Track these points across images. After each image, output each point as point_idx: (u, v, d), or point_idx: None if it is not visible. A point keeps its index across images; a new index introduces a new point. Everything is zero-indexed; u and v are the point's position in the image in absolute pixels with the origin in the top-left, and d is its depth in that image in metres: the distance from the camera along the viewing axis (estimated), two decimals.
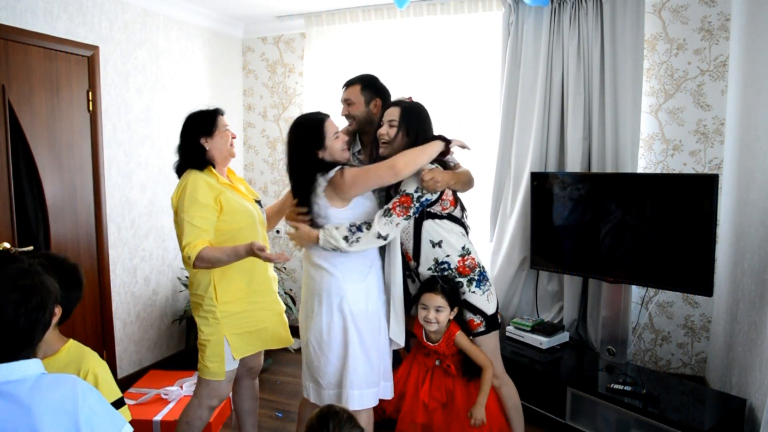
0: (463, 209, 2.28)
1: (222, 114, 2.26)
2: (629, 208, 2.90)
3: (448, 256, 2.18)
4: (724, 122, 3.24)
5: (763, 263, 2.33)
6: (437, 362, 2.30)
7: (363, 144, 2.57)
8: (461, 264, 2.19)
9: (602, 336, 3.09)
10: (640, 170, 3.35)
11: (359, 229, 2.05)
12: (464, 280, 2.20)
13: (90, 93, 3.16)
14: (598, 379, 2.84)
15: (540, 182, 3.27)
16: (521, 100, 3.48)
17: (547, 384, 2.88)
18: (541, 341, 3.12)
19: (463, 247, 2.20)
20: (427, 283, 2.20)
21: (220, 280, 2.16)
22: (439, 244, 2.17)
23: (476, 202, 3.77)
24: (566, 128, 3.39)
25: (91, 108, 3.17)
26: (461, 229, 2.23)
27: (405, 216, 2.07)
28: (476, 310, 2.22)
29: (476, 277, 2.21)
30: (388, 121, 2.18)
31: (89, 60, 3.15)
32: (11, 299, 1.03)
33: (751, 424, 2.39)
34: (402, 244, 2.23)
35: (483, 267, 2.25)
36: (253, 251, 2.00)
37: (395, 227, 2.06)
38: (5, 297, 1.02)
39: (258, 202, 2.37)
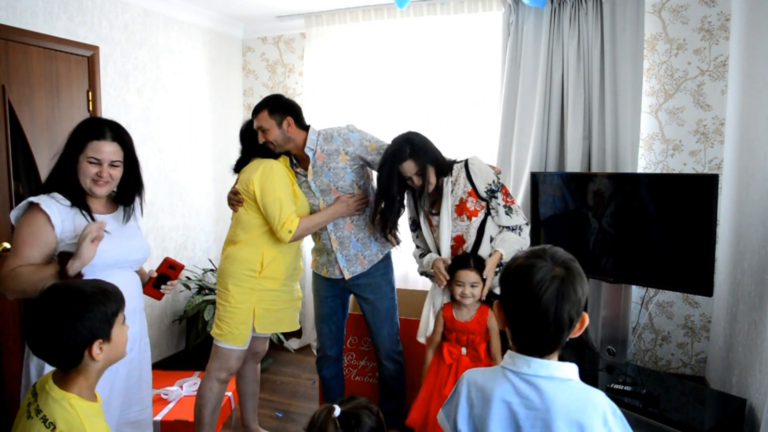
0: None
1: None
2: (629, 208, 2.90)
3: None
4: (724, 122, 3.24)
5: (763, 263, 2.33)
6: (464, 351, 2.28)
7: (298, 159, 2.56)
8: None
9: (602, 336, 3.09)
10: (640, 170, 3.35)
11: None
12: None
13: (90, 93, 3.16)
14: (598, 379, 2.84)
15: (540, 182, 3.27)
16: (521, 100, 3.48)
17: None
18: None
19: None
20: (458, 260, 2.27)
21: (267, 255, 2.40)
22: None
23: None
24: (566, 128, 3.39)
25: (91, 108, 3.16)
26: None
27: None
28: None
29: None
30: (414, 175, 2.26)
31: (89, 60, 3.15)
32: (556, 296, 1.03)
33: (751, 424, 2.39)
34: (460, 240, 2.34)
35: None
36: (348, 208, 2.45)
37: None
38: (549, 293, 1.02)
39: None
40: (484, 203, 2.31)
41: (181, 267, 1.92)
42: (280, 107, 2.44)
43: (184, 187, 3.95)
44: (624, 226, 2.93)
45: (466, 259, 2.26)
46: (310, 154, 2.46)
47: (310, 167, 2.48)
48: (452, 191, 2.32)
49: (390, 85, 3.95)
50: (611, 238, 2.98)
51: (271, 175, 2.33)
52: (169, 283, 1.91)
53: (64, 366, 1.30)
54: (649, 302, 3.41)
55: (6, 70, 2.70)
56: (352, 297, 2.75)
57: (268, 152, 2.45)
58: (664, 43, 3.33)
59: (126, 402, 1.83)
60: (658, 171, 3.39)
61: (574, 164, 3.36)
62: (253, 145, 2.47)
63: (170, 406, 2.94)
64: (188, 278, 3.90)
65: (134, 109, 3.51)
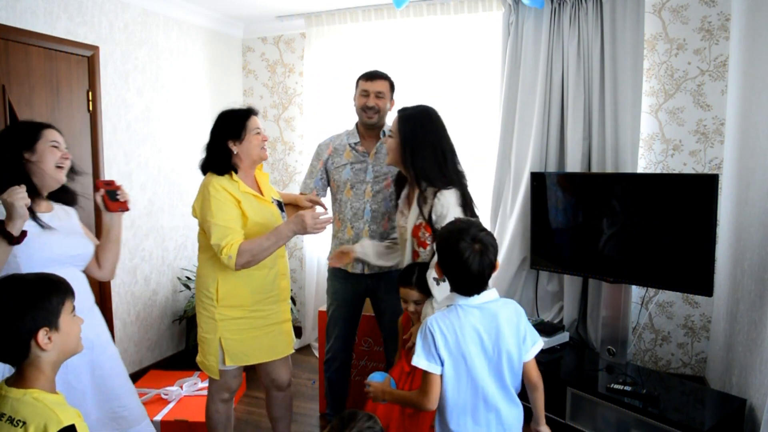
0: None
1: (255, 114, 2.19)
2: (629, 208, 2.90)
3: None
4: (724, 122, 3.24)
5: (763, 263, 2.33)
6: None
7: (362, 136, 2.58)
8: None
9: (602, 336, 3.09)
10: (640, 170, 3.35)
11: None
12: None
13: (90, 93, 3.16)
14: (598, 379, 2.84)
15: (540, 182, 3.27)
16: (521, 100, 3.48)
17: (547, 384, 2.84)
18: (541, 341, 3.12)
19: None
20: (402, 275, 2.11)
21: (224, 282, 2.13)
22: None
23: (476, 202, 3.76)
24: (566, 128, 3.39)
25: (91, 108, 3.17)
26: None
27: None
28: None
29: None
30: (390, 131, 2.17)
31: (89, 60, 3.15)
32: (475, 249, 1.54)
33: (751, 424, 2.39)
34: (416, 254, 2.18)
35: None
36: (304, 226, 2.00)
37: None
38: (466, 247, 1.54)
39: (278, 203, 2.31)
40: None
41: (112, 182, 1.93)
42: (394, 87, 2.60)
43: (184, 187, 3.95)
44: (624, 226, 2.93)
45: (408, 274, 2.09)
46: (382, 136, 2.54)
47: (374, 150, 2.53)
48: (420, 208, 2.08)
49: None
50: (611, 238, 2.98)
51: (211, 198, 2.05)
52: (119, 193, 1.91)
53: (13, 360, 1.30)
54: (649, 302, 3.41)
55: (6, 70, 2.70)
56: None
57: (228, 159, 2.14)
58: (664, 43, 3.33)
59: (100, 398, 1.85)
60: (658, 171, 3.39)
61: (574, 164, 3.35)
62: (222, 146, 2.14)
63: (170, 406, 2.94)
64: (188, 278, 3.90)
65: (134, 109, 3.51)
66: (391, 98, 2.60)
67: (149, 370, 3.50)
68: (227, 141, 2.12)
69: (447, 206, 2.02)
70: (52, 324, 1.30)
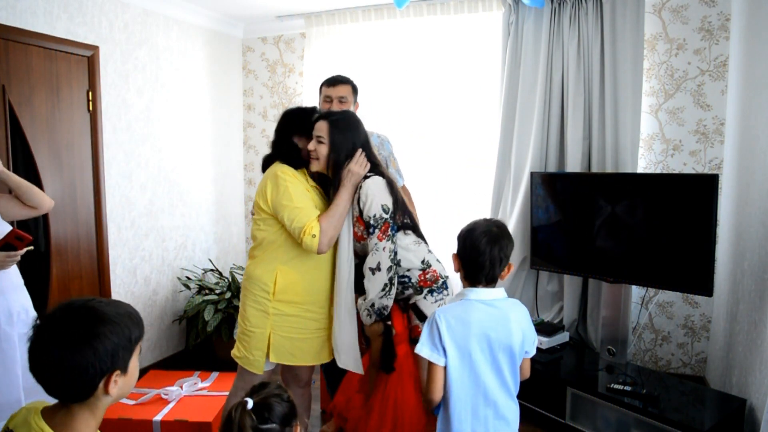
0: (404, 214, 2.15)
1: (318, 112, 2.23)
2: (629, 208, 2.90)
3: (408, 270, 2.13)
4: (724, 122, 3.24)
5: (763, 263, 2.33)
6: None
7: None
8: (422, 278, 2.14)
9: (602, 336, 3.09)
10: (640, 170, 3.35)
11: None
12: (426, 290, 2.15)
13: (90, 93, 3.16)
14: (598, 379, 2.84)
15: (540, 182, 3.27)
16: (521, 100, 3.48)
17: (547, 384, 2.88)
18: (541, 341, 3.12)
19: (423, 261, 2.13)
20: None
21: (282, 276, 2.13)
22: (398, 262, 2.10)
23: (476, 202, 3.77)
24: (566, 128, 3.39)
25: (91, 108, 3.17)
26: (415, 238, 2.16)
27: (387, 238, 2.05)
28: (422, 317, 2.15)
29: (435, 288, 2.15)
30: (317, 137, 2.10)
31: (89, 60, 3.15)
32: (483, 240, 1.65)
33: (751, 424, 2.39)
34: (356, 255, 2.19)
35: (447, 277, 2.19)
36: (356, 173, 2.06)
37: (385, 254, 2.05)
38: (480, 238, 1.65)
39: None
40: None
41: (29, 239, 1.81)
42: (357, 90, 2.62)
43: (184, 187, 3.95)
44: (624, 226, 2.93)
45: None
46: None
47: None
48: (355, 203, 2.10)
49: (390, 85, 3.95)
50: (611, 238, 2.98)
51: (287, 183, 2.07)
52: (11, 253, 1.84)
53: (72, 398, 1.11)
54: (649, 302, 3.41)
55: (6, 70, 2.70)
56: None
57: (297, 154, 2.17)
58: (664, 43, 3.33)
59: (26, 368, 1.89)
60: (658, 171, 3.39)
61: (574, 164, 3.35)
62: (288, 141, 2.18)
63: (170, 406, 2.93)
64: (188, 278, 3.90)
65: (134, 109, 3.51)
66: (355, 101, 2.63)
67: (149, 370, 3.50)
68: (293, 136, 2.16)
69: (368, 194, 2.06)
70: (125, 366, 1.13)
